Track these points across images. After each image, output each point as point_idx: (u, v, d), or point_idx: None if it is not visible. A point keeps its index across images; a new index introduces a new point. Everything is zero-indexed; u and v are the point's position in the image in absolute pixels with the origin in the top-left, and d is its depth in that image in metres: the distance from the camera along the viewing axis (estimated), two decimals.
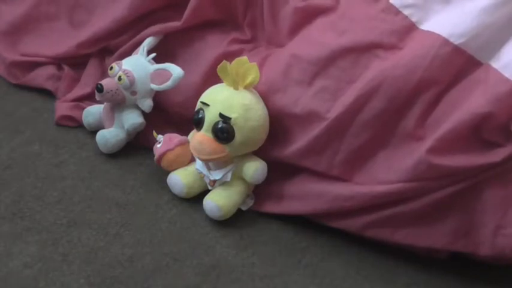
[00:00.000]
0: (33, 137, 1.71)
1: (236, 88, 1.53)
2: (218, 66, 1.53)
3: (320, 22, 1.59)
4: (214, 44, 1.69)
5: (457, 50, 1.43)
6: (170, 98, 1.69)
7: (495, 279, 1.50)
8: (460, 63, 1.43)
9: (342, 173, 1.50)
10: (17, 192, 1.55)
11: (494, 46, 1.43)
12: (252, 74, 1.52)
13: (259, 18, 1.70)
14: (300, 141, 1.52)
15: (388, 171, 1.45)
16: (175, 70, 1.63)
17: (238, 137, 1.51)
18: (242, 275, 1.44)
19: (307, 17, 1.61)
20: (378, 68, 1.46)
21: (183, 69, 1.62)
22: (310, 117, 1.51)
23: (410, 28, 1.49)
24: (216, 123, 1.51)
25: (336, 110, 1.48)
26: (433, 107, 1.44)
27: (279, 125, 1.56)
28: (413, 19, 1.50)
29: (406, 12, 1.50)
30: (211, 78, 1.61)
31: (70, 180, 1.61)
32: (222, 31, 1.71)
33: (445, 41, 1.43)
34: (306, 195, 1.54)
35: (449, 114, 1.41)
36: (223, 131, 1.51)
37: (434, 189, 1.43)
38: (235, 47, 1.67)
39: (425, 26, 1.48)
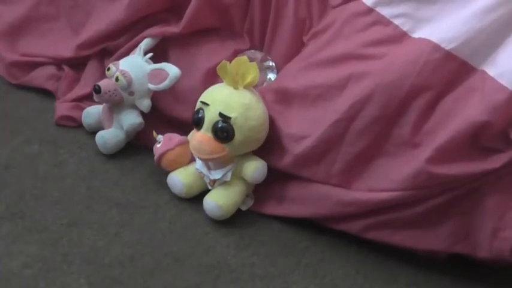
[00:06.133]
0: (33, 137, 1.71)
1: (236, 87, 1.53)
2: (218, 66, 1.53)
3: (316, 43, 1.60)
4: (211, 52, 1.69)
5: (448, 56, 1.43)
6: (166, 102, 1.70)
7: (495, 279, 1.50)
8: (453, 68, 1.43)
9: (341, 182, 1.50)
10: (17, 192, 1.55)
11: (488, 51, 1.43)
12: (252, 73, 1.52)
13: (256, 26, 1.70)
14: (295, 151, 1.53)
15: (387, 180, 1.45)
16: (172, 70, 1.64)
17: (238, 136, 1.51)
18: (242, 275, 1.44)
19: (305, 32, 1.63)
20: (370, 75, 1.46)
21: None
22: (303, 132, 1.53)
23: (401, 37, 1.49)
24: (216, 123, 1.51)
25: (330, 117, 1.49)
26: (428, 114, 1.44)
27: (275, 135, 1.56)
28: (405, 28, 1.50)
29: (397, 21, 1.50)
30: (208, 84, 1.61)
31: (70, 180, 1.61)
32: (221, 39, 1.72)
33: (436, 47, 1.43)
34: (306, 199, 1.54)
35: (446, 122, 1.41)
36: (223, 131, 1.51)
37: (434, 195, 1.43)
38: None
39: (417, 34, 1.48)
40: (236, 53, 1.69)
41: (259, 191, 1.60)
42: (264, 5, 1.69)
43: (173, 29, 1.72)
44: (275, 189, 1.59)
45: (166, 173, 1.61)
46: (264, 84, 1.66)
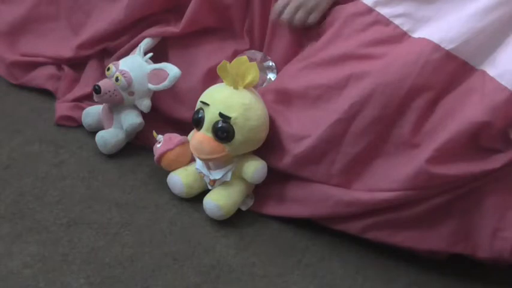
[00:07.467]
0: (33, 137, 1.71)
1: (236, 88, 1.53)
2: (218, 66, 1.53)
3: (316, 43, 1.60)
4: (211, 52, 1.69)
5: (448, 56, 1.43)
6: (166, 102, 1.70)
7: (495, 279, 1.50)
8: (453, 69, 1.43)
9: (341, 182, 1.50)
10: (17, 192, 1.55)
11: (488, 51, 1.43)
12: (252, 73, 1.52)
13: (256, 26, 1.70)
14: (295, 151, 1.53)
15: (387, 180, 1.45)
16: (172, 70, 1.64)
17: (238, 136, 1.51)
18: (242, 275, 1.44)
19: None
20: (370, 76, 1.46)
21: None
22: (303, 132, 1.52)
23: (401, 37, 1.49)
24: (216, 123, 1.51)
25: (330, 117, 1.49)
26: (428, 114, 1.44)
27: (275, 135, 1.56)
28: (405, 28, 1.50)
29: (397, 21, 1.50)
30: (208, 85, 1.61)
31: (70, 180, 1.61)
32: (221, 39, 1.72)
33: (436, 47, 1.43)
34: (306, 199, 1.54)
35: (446, 122, 1.41)
36: (223, 131, 1.51)
37: (434, 195, 1.43)
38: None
39: (417, 34, 1.48)
40: (236, 53, 1.69)
41: (259, 191, 1.60)
42: (263, 5, 1.69)
43: (173, 29, 1.72)
44: (275, 189, 1.59)
45: (166, 173, 1.61)
46: (264, 84, 1.66)
